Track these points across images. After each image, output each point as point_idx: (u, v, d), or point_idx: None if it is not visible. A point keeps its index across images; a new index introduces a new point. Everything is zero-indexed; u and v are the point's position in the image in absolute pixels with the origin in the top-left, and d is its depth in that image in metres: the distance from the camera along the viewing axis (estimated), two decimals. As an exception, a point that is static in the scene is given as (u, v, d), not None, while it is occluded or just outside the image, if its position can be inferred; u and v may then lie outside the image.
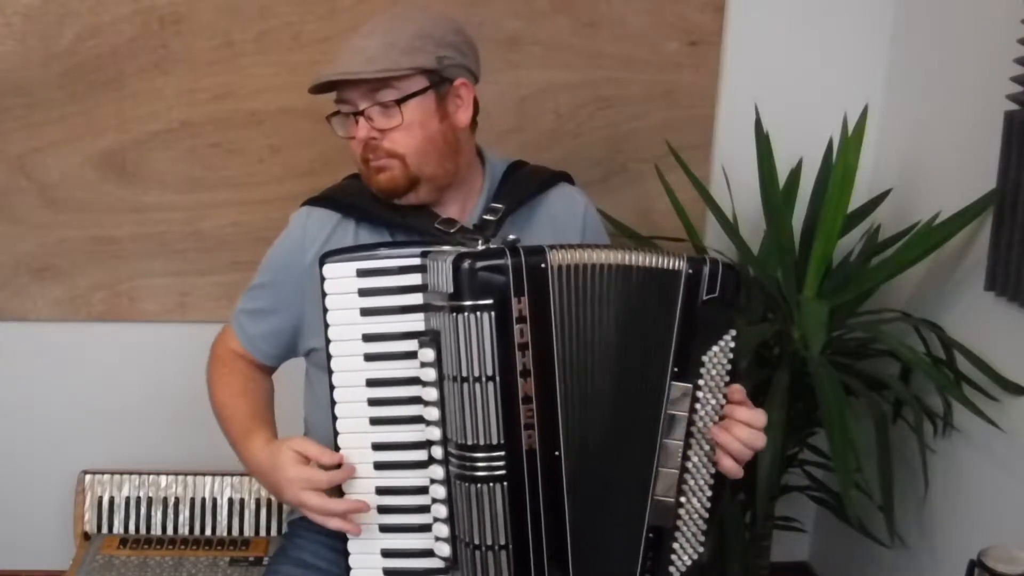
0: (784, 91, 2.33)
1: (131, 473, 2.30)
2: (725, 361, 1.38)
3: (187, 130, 2.26)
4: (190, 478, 2.30)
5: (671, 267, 1.37)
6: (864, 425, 1.96)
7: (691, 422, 1.38)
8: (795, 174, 2.25)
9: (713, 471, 1.41)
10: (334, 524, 1.41)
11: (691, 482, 1.40)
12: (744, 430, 1.39)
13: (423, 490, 1.38)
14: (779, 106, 2.25)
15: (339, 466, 1.40)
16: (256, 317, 1.67)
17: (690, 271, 1.37)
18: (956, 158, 2.10)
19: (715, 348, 1.37)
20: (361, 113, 1.52)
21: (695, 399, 1.38)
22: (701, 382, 1.38)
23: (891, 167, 2.32)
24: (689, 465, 1.39)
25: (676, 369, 1.37)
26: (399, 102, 1.50)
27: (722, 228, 2.20)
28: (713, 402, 1.38)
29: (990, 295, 1.92)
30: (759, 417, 1.41)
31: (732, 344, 1.38)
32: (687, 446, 1.38)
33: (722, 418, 1.40)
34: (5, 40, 2.17)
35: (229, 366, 1.68)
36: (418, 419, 1.36)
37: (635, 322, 1.38)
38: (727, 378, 1.39)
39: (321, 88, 1.55)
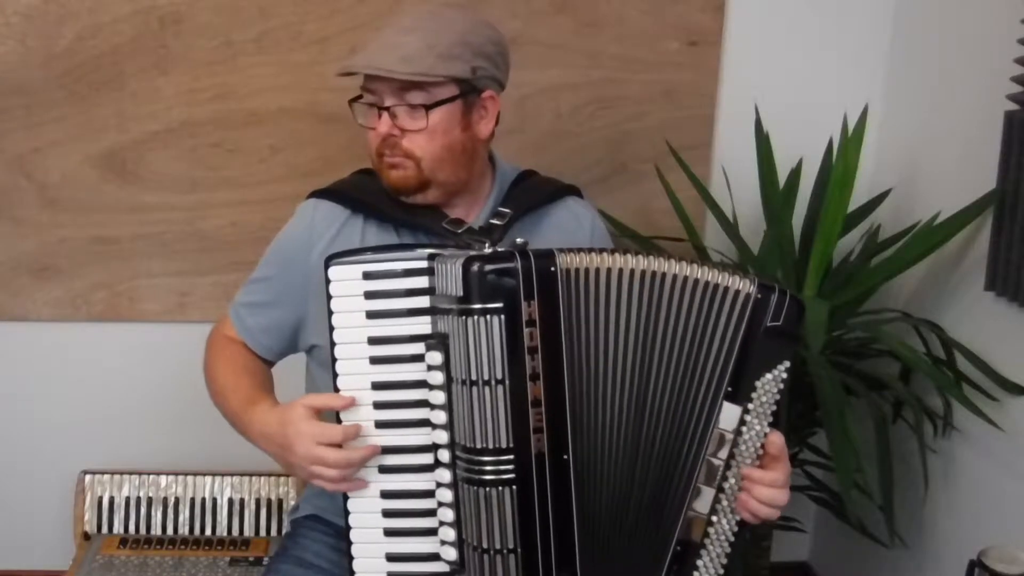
0: (784, 91, 2.32)
1: (131, 473, 2.31)
2: (775, 391, 1.36)
3: (187, 130, 2.25)
4: (190, 478, 2.31)
5: (740, 288, 1.36)
6: (864, 425, 1.97)
7: (735, 443, 1.37)
8: (795, 174, 2.24)
9: None
10: (345, 487, 1.39)
11: (724, 503, 1.38)
12: (765, 491, 1.37)
13: (429, 494, 1.38)
14: (779, 106, 2.25)
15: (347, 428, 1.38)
16: (256, 310, 1.66)
17: (759, 296, 1.36)
18: (956, 158, 2.10)
19: (768, 376, 1.36)
20: (386, 109, 1.51)
21: (743, 421, 1.37)
22: (751, 406, 1.37)
23: (891, 167, 2.32)
24: (726, 485, 1.38)
25: (730, 389, 1.37)
26: (428, 107, 1.49)
27: (722, 228, 2.21)
28: (758, 427, 1.37)
29: (990, 295, 1.92)
30: (780, 476, 1.39)
31: (784, 376, 1.37)
32: (727, 466, 1.37)
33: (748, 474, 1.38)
34: (5, 40, 2.17)
35: (229, 349, 1.66)
36: (424, 422, 1.36)
37: (676, 333, 1.37)
38: (774, 407, 1.37)
39: (349, 72, 1.53)
